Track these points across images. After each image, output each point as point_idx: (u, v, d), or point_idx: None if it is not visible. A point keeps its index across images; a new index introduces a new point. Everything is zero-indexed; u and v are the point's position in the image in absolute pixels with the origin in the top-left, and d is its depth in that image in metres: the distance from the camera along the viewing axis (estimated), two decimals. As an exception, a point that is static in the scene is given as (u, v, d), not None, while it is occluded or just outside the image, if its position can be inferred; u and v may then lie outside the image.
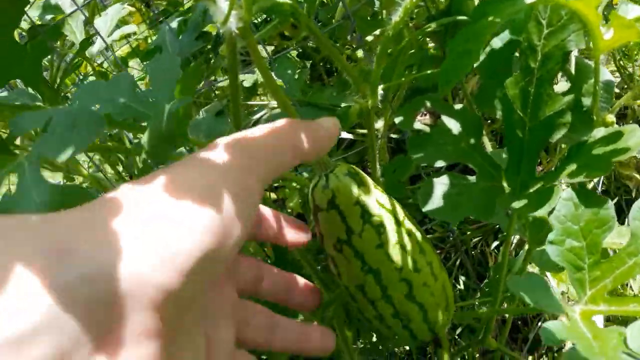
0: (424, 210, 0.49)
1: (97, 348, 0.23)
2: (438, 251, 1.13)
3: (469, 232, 1.10)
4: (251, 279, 0.42)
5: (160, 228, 0.26)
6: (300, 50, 1.28)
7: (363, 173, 0.44)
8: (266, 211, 0.42)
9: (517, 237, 1.03)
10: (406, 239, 0.44)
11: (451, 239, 1.11)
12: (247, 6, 0.38)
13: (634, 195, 1.04)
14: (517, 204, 0.47)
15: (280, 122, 0.35)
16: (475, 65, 0.51)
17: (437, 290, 0.47)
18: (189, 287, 0.26)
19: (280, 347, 0.42)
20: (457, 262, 1.07)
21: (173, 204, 0.27)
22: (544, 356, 0.89)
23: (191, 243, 0.26)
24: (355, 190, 0.42)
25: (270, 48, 1.19)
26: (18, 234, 0.23)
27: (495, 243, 1.07)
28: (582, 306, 0.46)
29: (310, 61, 1.29)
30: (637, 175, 1.05)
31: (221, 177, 0.29)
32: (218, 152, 0.30)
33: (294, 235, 0.43)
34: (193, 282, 0.26)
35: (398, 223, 0.44)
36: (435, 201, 0.49)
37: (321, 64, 1.32)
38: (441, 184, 0.50)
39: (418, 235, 0.46)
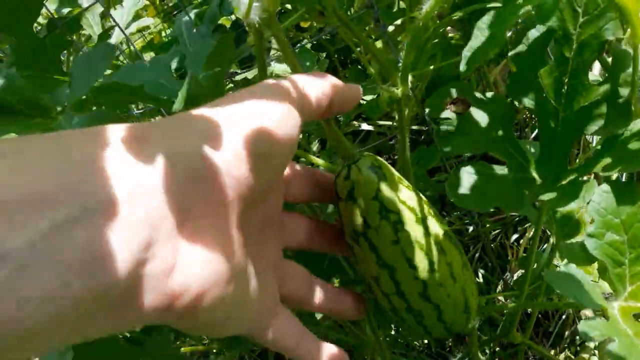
0: (451, 199, 0.48)
1: (184, 219, 0.27)
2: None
3: (488, 225, 1.08)
4: (304, 236, 0.44)
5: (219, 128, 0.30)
6: (315, 42, 1.27)
7: (389, 166, 0.43)
8: (322, 174, 0.45)
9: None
10: (425, 238, 0.42)
11: (470, 231, 1.10)
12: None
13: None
14: (548, 196, 0.46)
15: (315, 72, 0.38)
16: (510, 54, 0.49)
17: (456, 292, 0.45)
18: (251, 180, 0.30)
19: (315, 307, 0.44)
20: (477, 255, 1.06)
21: (229, 115, 0.31)
22: (566, 350, 0.88)
23: (247, 142, 0.30)
24: (375, 184, 0.41)
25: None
26: (114, 129, 0.27)
27: (515, 236, 1.06)
28: (622, 302, 0.44)
29: (325, 53, 1.28)
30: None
31: (266, 100, 0.32)
32: (263, 86, 0.34)
33: None
34: (255, 176, 0.30)
35: (418, 221, 0.43)
36: (463, 191, 0.48)
37: (335, 56, 1.31)
38: (469, 174, 0.49)
39: (440, 234, 0.44)
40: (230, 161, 0.29)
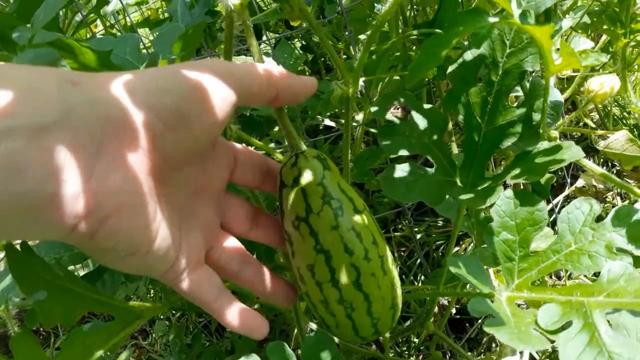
0: (383, 188, 0.55)
1: (98, 153, 0.31)
2: (403, 248, 1.20)
3: (434, 235, 1.17)
4: (243, 218, 0.48)
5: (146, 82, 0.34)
6: (304, 43, 1.35)
7: (331, 161, 0.48)
8: (274, 163, 0.49)
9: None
10: (361, 227, 0.46)
11: (417, 238, 1.18)
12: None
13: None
14: (464, 197, 0.54)
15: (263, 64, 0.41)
16: (448, 72, 0.57)
17: (385, 285, 0.48)
18: (168, 138, 0.34)
19: (248, 283, 0.47)
20: (418, 261, 1.14)
21: (157, 76, 0.34)
22: (482, 355, 0.96)
23: (169, 99, 0.34)
24: (320, 172, 0.46)
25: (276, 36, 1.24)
26: (56, 70, 0.31)
27: (457, 248, 1.14)
28: (509, 292, 0.52)
29: (313, 55, 1.35)
30: (596, 205, 1.12)
31: (198, 71, 0.35)
32: (206, 61, 0.37)
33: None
34: (172, 135, 0.34)
35: (356, 211, 0.46)
36: (394, 182, 0.56)
37: (322, 59, 1.38)
38: (401, 170, 0.57)
39: (374, 228, 0.48)
40: (146, 114, 0.33)
